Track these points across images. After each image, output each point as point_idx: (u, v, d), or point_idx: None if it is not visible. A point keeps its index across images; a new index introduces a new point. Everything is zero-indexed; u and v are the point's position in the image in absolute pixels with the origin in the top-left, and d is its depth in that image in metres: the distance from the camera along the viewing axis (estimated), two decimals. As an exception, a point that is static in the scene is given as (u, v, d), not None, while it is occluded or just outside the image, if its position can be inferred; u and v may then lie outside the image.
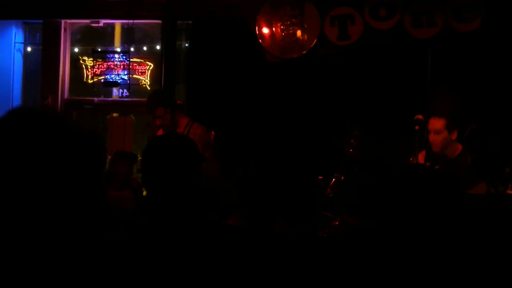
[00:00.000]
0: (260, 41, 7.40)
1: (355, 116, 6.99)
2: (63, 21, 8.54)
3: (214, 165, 5.98)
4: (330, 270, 2.65)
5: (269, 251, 2.93)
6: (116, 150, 6.76)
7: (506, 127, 6.79)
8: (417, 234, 2.47)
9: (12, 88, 8.90)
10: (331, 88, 7.43)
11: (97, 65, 8.53)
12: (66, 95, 8.69)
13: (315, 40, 7.26)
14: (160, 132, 6.32)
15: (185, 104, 7.49)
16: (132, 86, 8.56)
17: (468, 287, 2.47)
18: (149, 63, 8.61)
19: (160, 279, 2.33)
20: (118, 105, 8.78)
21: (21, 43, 8.97)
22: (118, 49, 8.62)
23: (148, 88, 8.53)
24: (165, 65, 8.10)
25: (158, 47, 8.52)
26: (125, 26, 8.57)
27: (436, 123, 5.57)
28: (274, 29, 7.38)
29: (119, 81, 8.51)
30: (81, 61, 8.68)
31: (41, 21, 8.54)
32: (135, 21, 8.29)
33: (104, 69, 8.52)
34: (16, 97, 8.95)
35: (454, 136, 5.58)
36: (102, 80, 8.56)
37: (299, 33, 7.32)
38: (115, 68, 8.47)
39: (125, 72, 8.46)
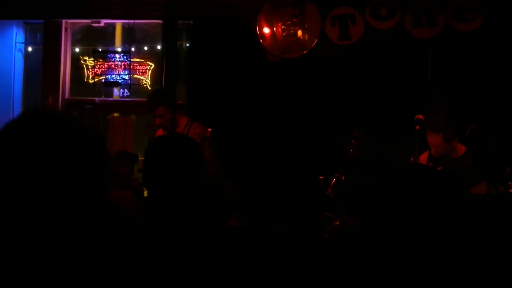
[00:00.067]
0: (261, 41, 7.40)
1: (356, 116, 6.99)
2: (64, 21, 8.54)
3: (213, 165, 5.98)
4: (331, 270, 2.65)
5: (270, 251, 2.93)
6: (117, 150, 6.77)
7: (506, 127, 6.79)
8: (418, 234, 2.48)
9: (13, 88, 8.91)
10: (331, 88, 7.43)
11: (98, 65, 8.53)
12: (67, 95, 8.70)
13: (316, 40, 7.26)
14: (159, 132, 6.33)
15: (186, 104, 7.49)
16: (133, 86, 8.56)
17: (469, 287, 2.47)
18: (150, 63, 8.62)
19: (161, 279, 2.33)
20: (119, 105, 8.79)
21: (22, 43, 8.98)
22: (119, 49, 8.63)
23: (149, 88, 8.54)
24: (165, 65, 8.11)
25: (159, 47, 8.52)
26: (126, 26, 8.57)
27: (434, 139, 5.52)
28: (274, 29, 7.38)
29: (120, 81, 8.52)
30: (82, 61, 8.69)
31: (42, 21, 8.55)
32: (135, 21, 8.30)
33: (105, 69, 8.52)
34: (17, 97, 8.96)
35: (454, 143, 5.54)
36: (103, 80, 8.57)
37: (299, 33, 7.32)
38: (116, 68, 8.48)
39: (126, 72, 8.46)
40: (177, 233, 2.50)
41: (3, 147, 1.60)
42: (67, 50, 8.67)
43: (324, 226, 4.89)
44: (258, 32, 7.40)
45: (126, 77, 8.47)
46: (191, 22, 8.05)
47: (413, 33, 7.00)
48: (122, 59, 8.47)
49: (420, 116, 5.54)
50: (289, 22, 7.33)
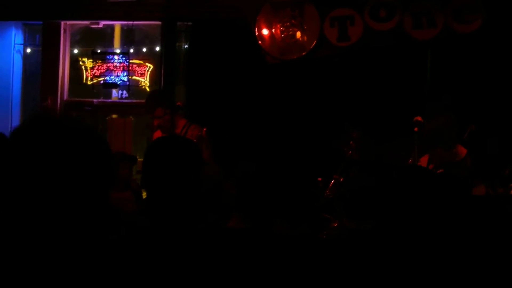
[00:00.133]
0: (260, 42, 7.40)
1: (355, 118, 6.98)
2: (62, 22, 8.53)
3: (212, 165, 5.97)
4: (329, 271, 2.65)
5: (269, 252, 2.93)
6: (115, 151, 6.76)
7: (505, 129, 6.79)
8: (416, 235, 2.47)
9: (12, 89, 8.90)
10: (330, 90, 7.43)
11: (96, 67, 8.53)
12: (65, 96, 8.69)
13: (315, 41, 7.26)
14: (158, 133, 6.32)
15: (185, 105, 7.48)
16: (132, 87, 8.55)
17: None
18: (149, 65, 8.61)
19: (161, 280, 2.33)
20: (117, 106, 8.78)
21: (20, 44, 8.96)
22: (118, 51, 8.62)
23: (148, 89, 8.52)
24: (164, 67, 8.10)
25: (157, 49, 8.51)
26: (125, 28, 8.57)
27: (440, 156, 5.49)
28: (273, 30, 7.38)
29: (118, 83, 8.51)
30: (80, 63, 8.68)
31: (41, 22, 8.54)
32: (134, 22, 8.29)
33: (104, 71, 8.51)
34: (15, 98, 8.95)
35: (455, 150, 5.52)
36: (102, 82, 8.56)
37: (298, 34, 7.32)
38: (115, 69, 8.47)
39: (125, 74, 8.45)
40: (176, 234, 2.49)
41: (13, 149, 1.62)
42: (66, 52, 8.66)
43: (322, 227, 4.89)
44: (257, 34, 7.40)
45: (125, 78, 8.46)
46: (190, 23, 8.05)
47: (413, 34, 7.01)
48: (121, 61, 8.46)
49: (419, 118, 5.54)
50: (288, 24, 7.33)
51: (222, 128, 7.33)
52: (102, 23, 8.54)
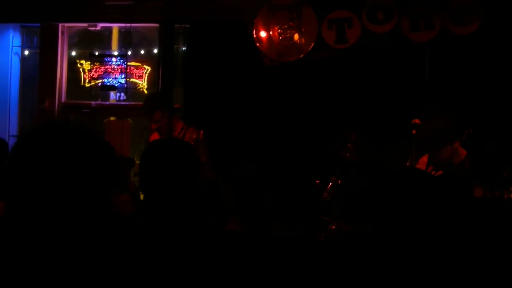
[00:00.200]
0: (258, 44, 7.40)
1: (353, 120, 6.98)
2: (60, 24, 8.53)
3: (210, 168, 5.97)
4: (327, 273, 2.65)
5: (267, 254, 2.92)
6: (113, 154, 6.74)
7: (503, 131, 6.79)
8: (414, 238, 2.47)
9: (10, 91, 8.89)
10: (328, 92, 7.42)
11: (94, 69, 8.52)
12: (63, 98, 8.68)
13: (313, 44, 7.26)
14: (155, 135, 6.31)
15: (183, 107, 7.47)
16: (130, 89, 8.54)
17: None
18: (147, 67, 8.60)
19: (159, 282, 2.32)
20: (115, 108, 8.78)
21: (18, 46, 8.96)
22: (116, 53, 8.61)
23: (145, 91, 8.52)
24: (162, 69, 8.10)
25: (155, 51, 8.51)
26: (123, 30, 8.56)
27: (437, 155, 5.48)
28: (271, 32, 7.38)
29: (116, 85, 8.50)
30: (78, 65, 8.68)
31: (39, 24, 8.54)
32: (132, 24, 8.28)
33: (102, 73, 8.51)
34: (13, 100, 8.95)
35: (456, 145, 5.50)
36: (100, 84, 8.55)
37: (296, 36, 7.32)
38: (113, 71, 8.47)
39: (123, 76, 8.45)
40: (174, 236, 2.49)
41: (23, 152, 1.65)
42: (64, 54, 8.66)
43: (320, 229, 4.88)
44: (255, 36, 7.41)
45: (123, 80, 8.46)
46: (187, 25, 8.04)
47: (410, 37, 7.01)
48: (119, 63, 8.46)
49: (417, 121, 5.52)
50: (286, 26, 7.33)
51: (220, 130, 7.33)
52: (100, 25, 8.53)
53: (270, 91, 7.55)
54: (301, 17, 7.30)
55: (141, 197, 6.04)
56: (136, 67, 8.58)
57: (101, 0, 8.07)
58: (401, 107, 6.95)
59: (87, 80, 8.62)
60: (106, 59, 8.50)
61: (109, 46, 8.75)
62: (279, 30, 7.34)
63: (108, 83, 8.49)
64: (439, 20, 6.90)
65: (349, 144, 5.73)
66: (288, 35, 7.32)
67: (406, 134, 5.51)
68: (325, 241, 4.62)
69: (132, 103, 8.57)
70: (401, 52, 7.21)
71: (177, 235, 2.50)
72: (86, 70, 8.60)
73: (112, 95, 8.73)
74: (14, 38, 8.92)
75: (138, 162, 3.88)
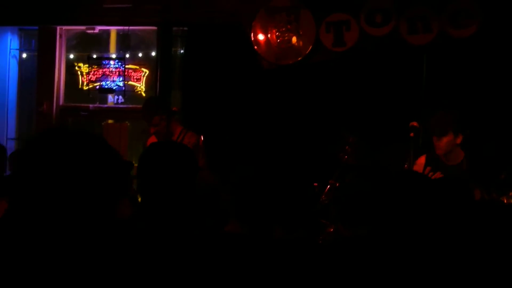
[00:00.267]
0: (256, 47, 7.41)
1: (351, 123, 6.99)
2: (58, 27, 8.53)
3: (208, 172, 5.96)
4: (326, 276, 2.65)
5: (266, 257, 2.92)
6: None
7: (501, 133, 6.80)
8: (412, 240, 2.47)
9: (8, 94, 8.89)
10: (326, 95, 7.43)
11: (92, 72, 8.52)
12: (61, 101, 8.68)
13: (311, 47, 7.27)
14: (152, 138, 6.31)
15: (181, 110, 7.48)
16: (128, 92, 8.54)
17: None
18: (145, 70, 8.60)
19: (157, 285, 2.32)
20: (113, 111, 8.77)
21: (16, 49, 8.96)
22: (114, 56, 8.61)
23: (143, 94, 8.52)
24: (160, 72, 8.10)
25: (153, 54, 8.51)
26: (121, 33, 8.56)
27: (438, 143, 5.48)
28: (269, 35, 7.39)
29: (114, 88, 8.50)
30: (76, 68, 8.67)
31: (37, 27, 8.54)
32: (130, 27, 8.29)
33: (100, 76, 8.51)
34: (11, 103, 8.95)
35: (459, 140, 5.49)
36: (98, 87, 8.55)
37: (294, 39, 7.33)
38: (111, 74, 8.47)
39: (121, 79, 8.45)
40: (172, 238, 2.49)
41: (29, 157, 1.66)
42: (62, 57, 8.65)
43: (318, 232, 4.88)
44: (253, 39, 7.41)
45: (121, 83, 8.46)
46: (185, 28, 8.04)
47: (408, 40, 7.02)
48: (117, 66, 8.46)
49: (415, 123, 5.53)
50: (284, 29, 7.34)
51: (218, 133, 7.33)
52: (98, 28, 8.53)
53: (268, 94, 7.56)
54: (299, 20, 7.30)
55: (139, 199, 6.04)
56: (134, 70, 8.58)
57: (99, 3, 8.08)
58: (399, 110, 6.96)
59: (85, 83, 8.62)
60: (104, 62, 8.50)
61: (107, 49, 8.75)
62: (277, 33, 7.35)
63: (106, 86, 8.48)
64: (437, 22, 6.91)
65: (347, 147, 5.73)
66: (286, 38, 7.33)
67: (404, 137, 5.52)
68: (323, 244, 4.62)
69: (130, 106, 8.57)
70: (399, 55, 7.21)
71: (175, 238, 2.50)
72: (84, 73, 8.60)
73: (110, 98, 8.73)
74: (12, 41, 8.92)
75: (136, 165, 3.90)
